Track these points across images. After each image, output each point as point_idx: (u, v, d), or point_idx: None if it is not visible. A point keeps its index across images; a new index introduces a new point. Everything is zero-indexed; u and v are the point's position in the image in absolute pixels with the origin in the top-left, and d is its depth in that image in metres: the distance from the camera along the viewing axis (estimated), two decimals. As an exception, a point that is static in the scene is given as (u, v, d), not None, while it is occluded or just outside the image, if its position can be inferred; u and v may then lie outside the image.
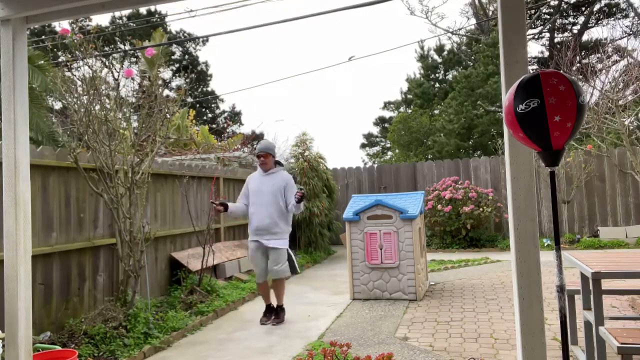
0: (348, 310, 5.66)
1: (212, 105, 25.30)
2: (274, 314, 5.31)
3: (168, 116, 5.50)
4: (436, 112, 20.45)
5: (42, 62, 7.46)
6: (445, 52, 21.84)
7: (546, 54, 21.01)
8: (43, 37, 17.01)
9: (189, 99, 18.75)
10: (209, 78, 24.72)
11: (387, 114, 24.63)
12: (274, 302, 5.43)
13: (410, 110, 21.32)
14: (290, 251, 5.37)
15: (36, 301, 4.30)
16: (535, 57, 21.19)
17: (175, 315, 5.14)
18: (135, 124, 5.62)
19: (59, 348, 3.79)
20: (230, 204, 5.31)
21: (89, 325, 4.41)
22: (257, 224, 5.20)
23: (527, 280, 2.20)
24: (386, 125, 23.57)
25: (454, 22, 34.54)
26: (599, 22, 20.54)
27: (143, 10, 22.07)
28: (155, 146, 5.22)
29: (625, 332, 2.89)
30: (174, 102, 5.55)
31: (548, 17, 20.93)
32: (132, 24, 20.21)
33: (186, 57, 24.29)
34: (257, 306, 6.00)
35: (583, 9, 20.62)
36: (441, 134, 17.88)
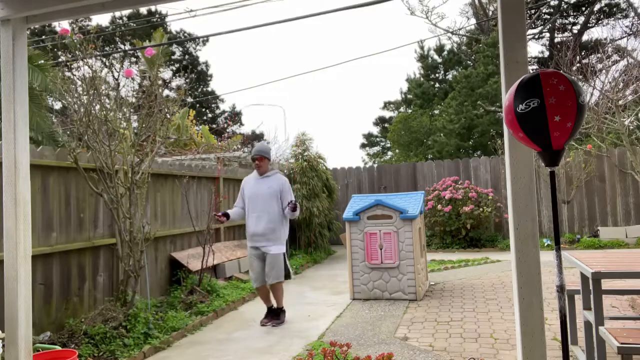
0: (348, 310, 5.66)
1: (212, 105, 25.30)
2: (274, 315, 5.31)
3: (168, 116, 5.49)
4: (436, 112, 20.45)
5: (42, 62, 7.45)
6: (445, 52, 21.84)
7: (546, 54, 21.01)
8: (43, 37, 17.01)
9: (189, 99, 18.75)
10: (209, 78, 24.72)
11: (387, 114, 24.64)
12: (275, 304, 5.43)
13: (410, 110, 21.32)
14: (285, 256, 5.36)
15: (36, 301, 4.30)
16: (535, 57, 21.19)
17: (175, 315, 5.14)
18: (135, 124, 5.62)
19: (59, 348, 3.79)
20: (230, 212, 5.37)
21: (89, 325, 4.41)
22: (253, 230, 5.22)
23: (527, 280, 2.20)
24: (386, 125, 23.57)
25: (454, 22, 34.52)
26: (599, 22, 20.55)
27: (143, 10, 22.07)
28: (155, 146, 5.22)
29: (625, 332, 2.89)
30: (174, 102, 5.55)
31: (548, 17, 20.93)
32: (132, 24, 20.21)
33: (186, 57, 24.29)
34: (257, 306, 6.00)
35: (583, 9, 20.62)
36: (441, 134, 17.89)
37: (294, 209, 5.10)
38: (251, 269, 5.32)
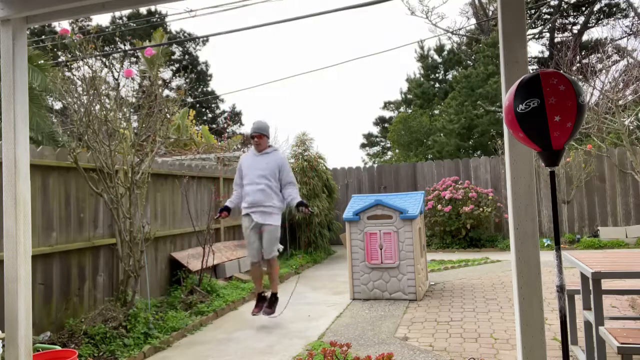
0: (348, 310, 5.66)
1: (212, 105, 25.30)
2: (266, 302, 5.28)
3: (168, 116, 5.49)
4: (436, 112, 20.45)
5: (42, 62, 7.44)
6: (445, 52, 21.83)
7: (546, 54, 21.01)
8: (43, 37, 17.01)
9: (189, 99, 18.75)
10: (209, 78, 24.73)
11: (387, 114, 24.64)
12: (267, 292, 5.40)
13: (410, 110, 21.32)
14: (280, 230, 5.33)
15: (36, 301, 4.30)
16: (535, 57, 21.19)
17: (175, 315, 5.14)
18: (135, 124, 5.62)
19: (59, 348, 3.79)
20: (229, 203, 5.34)
21: (89, 325, 4.41)
22: (250, 198, 5.18)
23: (527, 280, 2.20)
24: (386, 125, 23.56)
25: (454, 22, 34.51)
26: (599, 22, 20.55)
27: (143, 10, 22.08)
28: (155, 146, 5.22)
29: (625, 332, 2.89)
30: (174, 102, 5.55)
31: (548, 17, 20.93)
32: (132, 24, 20.21)
33: (186, 57, 24.29)
34: (257, 306, 5.99)
35: (583, 9, 20.62)
36: (441, 134, 17.89)
37: (305, 206, 5.12)
38: (248, 243, 5.27)
